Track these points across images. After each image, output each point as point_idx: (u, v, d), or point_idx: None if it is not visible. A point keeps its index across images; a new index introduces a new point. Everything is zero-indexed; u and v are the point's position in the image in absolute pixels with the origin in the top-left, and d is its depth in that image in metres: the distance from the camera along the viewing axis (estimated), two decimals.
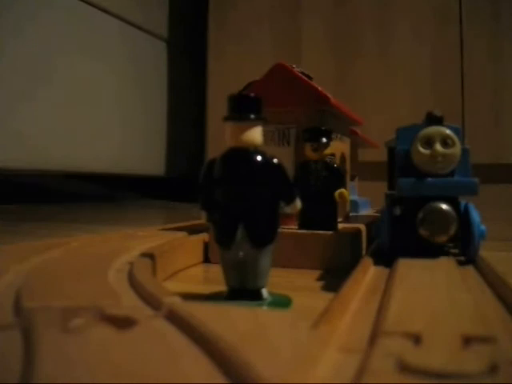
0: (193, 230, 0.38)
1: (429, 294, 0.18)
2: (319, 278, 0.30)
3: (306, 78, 0.40)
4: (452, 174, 0.28)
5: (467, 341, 0.13)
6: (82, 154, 1.11)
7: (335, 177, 0.35)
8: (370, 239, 0.36)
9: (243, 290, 0.22)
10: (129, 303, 0.18)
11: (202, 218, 0.24)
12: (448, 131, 0.27)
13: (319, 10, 1.26)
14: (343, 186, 0.35)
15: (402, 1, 1.20)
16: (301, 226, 0.35)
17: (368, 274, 0.24)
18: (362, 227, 0.36)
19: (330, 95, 0.39)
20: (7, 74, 0.94)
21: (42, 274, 0.22)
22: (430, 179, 0.27)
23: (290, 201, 0.22)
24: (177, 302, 0.17)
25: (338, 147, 0.42)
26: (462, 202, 0.28)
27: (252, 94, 0.22)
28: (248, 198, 0.22)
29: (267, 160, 0.22)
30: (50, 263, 0.25)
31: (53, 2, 1.03)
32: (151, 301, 0.17)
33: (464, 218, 0.27)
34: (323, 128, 0.35)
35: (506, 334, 0.14)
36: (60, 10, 1.05)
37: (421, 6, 1.18)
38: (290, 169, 0.24)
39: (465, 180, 0.28)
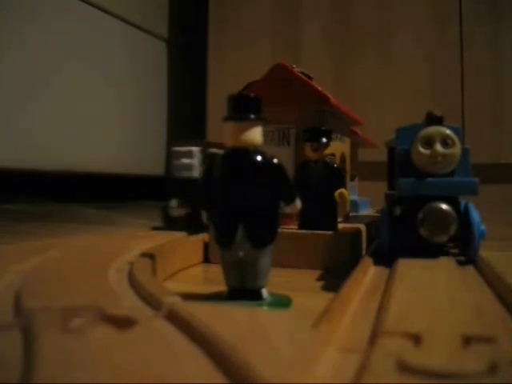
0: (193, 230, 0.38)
1: (429, 293, 0.18)
2: (319, 278, 0.30)
3: (305, 78, 0.40)
4: (452, 173, 0.28)
5: (467, 341, 0.13)
6: (82, 153, 1.11)
7: (335, 177, 0.35)
8: (370, 239, 0.36)
9: (243, 290, 0.22)
10: (129, 303, 0.18)
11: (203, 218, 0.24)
12: (448, 131, 0.27)
13: (319, 12, 1.25)
14: (343, 185, 0.35)
15: (401, 1, 1.19)
16: (301, 226, 0.35)
17: (368, 274, 0.24)
18: (362, 227, 0.36)
19: (329, 95, 0.39)
20: (7, 74, 0.94)
21: (42, 274, 0.22)
22: (430, 179, 0.27)
23: (289, 201, 0.22)
24: (177, 302, 0.17)
25: (338, 147, 0.42)
26: (462, 201, 0.28)
27: (252, 94, 0.22)
28: (248, 198, 0.22)
29: (267, 160, 0.22)
30: (50, 263, 0.25)
31: (53, 2, 1.03)
32: (151, 301, 0.17)
33: (464, 217, 0.27)
34: (323, 128, 0.35)
35: (505, 334, 0.14)
36: (60, 10, 1.05)
37: (421, 6, 1.18)
38: (289, 169, 0.24)
39: (465, 180, 0.28)
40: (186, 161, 0.42)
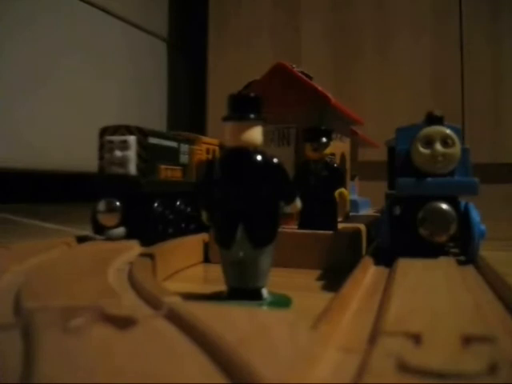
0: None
1: (429, 293, 0.18)
2: (319, 278, 0.30)
3: (306, 78, 0.40)
4: (452, 173, 0.28)
5: (467, 341, 0.13)
6: (82, 153, 1.11)
7: (335, 177, 0.35)
8: (370, 239, 0.36)
9: (243, 290, 0.22)
10: (129, 303, 0.18)
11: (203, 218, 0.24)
12: (448, 131, 0.27)
13: (319, 12, 1.25)
14: (343, 185, 0.35)
15: (401, 1, 1.19)
16: (301, 226, 0.35)
17: (368, 273, 0.24)
18: (362, 227, 0.36)
19: (330, 95, 0.39)
20: (8, 73, 0.94)
21: (42, 274, 0.22)
22: (430, 179, 0.27)
23: (290, 201, 0.22)
24: (177, 301, 0.17)
25: (338, 147, 0.42)
26: (462, 201, 0.28)
27: (252, 94, 0.22)
28: (248, 198, 0.22)
29: (267, 160, 0.22)
30: (50, 263, 0.25)
31: (53, 2, 1.03)
32: (151, 300, 0.17)
33: (464, 217, 0.27)
34: (323, 128, 0.35)
35: (505, 333, 0.14)
36: (60, 10, 1.05)
37: (420, 6, 1.18)
38: (289, 169, 0.24)
39: (465, 180, 0.28)
40: (119, 153, 0.34)
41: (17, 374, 0.10)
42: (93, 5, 1.13)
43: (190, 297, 0.24)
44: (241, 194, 0.22)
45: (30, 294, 0.17)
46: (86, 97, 1.12)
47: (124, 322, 0.13)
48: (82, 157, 1.11)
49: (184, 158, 0.42)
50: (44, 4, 1.01)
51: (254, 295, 0.22)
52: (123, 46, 1.25)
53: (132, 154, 0.34)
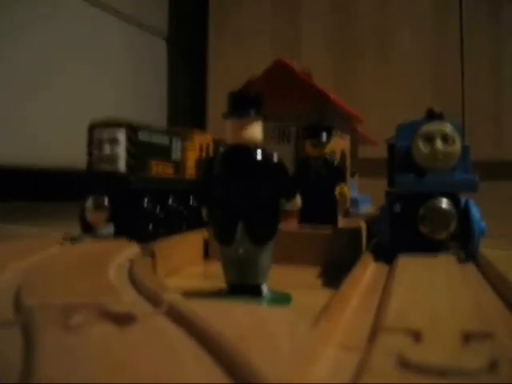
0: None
1: (429, 290, 0.18)
2: (319, 275, 0.30)
3: (305, 76, 0.40)
4: (452, 170, 0.28)
5: (467, 337, 0.13)
6: (82, 152, 1.11)
7: (335, 174, 0.35)
8: (371, 236, 0.36)
9: (243, 287, 0.22)
10: (129, 300, 0.18)
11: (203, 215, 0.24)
12: (448, 129, 0.27)
13: (319, 12, 1.25)
14: (343, 182, 0.35)
15: (401, 1, 1.19)
16: (301, 223, 0.35)
17: (368, 270, 0.24)
18: (362, 224, 0.36)
19: (330, 93, 0.39)
20: (8, 73, 0.94)
21: (42, 271, 0.22)
22: (430, 176, 0.27)
23: (290, 198, 0.22)
24: (177, 298, 0.17)
25: (338, 144, 0.42)
26: (462, 198, 0.28)
27: (252, 91, 0.22)
28: (248, 195, 0.22)
29: (267, 157, 0.22)
30: (50, 260, 0.25)
31: (53, 1, 1.03)
32: (151, 297, 0.17)
33: (464, 214, 0.27)
34: (323, 125, 0.35)
35: (505, 330, 0.14)
36: (60, 10, 1.04)
37: (420, 6, 1.18)
38: (290, 166, 0.24)
39: (465, 177, 0.28)
40: (108, 149, 0.33)
41: (17, 372, 0.10)
42: (92, 3, 1.13)
43: (190, 293, 0.24)
44: (241, 191, 0.22)
45: (29, 292, 0.17)
46: (85, 95, 1.12)
47: (124, 319, 0.13)
48: (82, 156, 1.11)
49: (176, 155, 0.40)
50: (43, 3, 1.00)
51: (254, 292, 0.22)
52: (123, 44, 1.24)
53: (121, 150, 0.33)
